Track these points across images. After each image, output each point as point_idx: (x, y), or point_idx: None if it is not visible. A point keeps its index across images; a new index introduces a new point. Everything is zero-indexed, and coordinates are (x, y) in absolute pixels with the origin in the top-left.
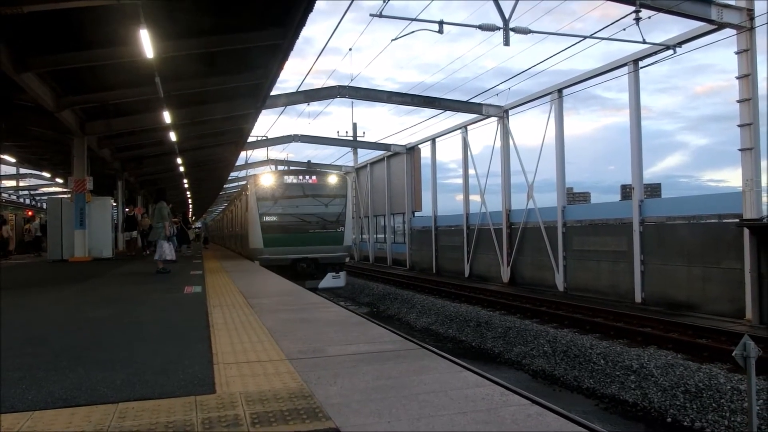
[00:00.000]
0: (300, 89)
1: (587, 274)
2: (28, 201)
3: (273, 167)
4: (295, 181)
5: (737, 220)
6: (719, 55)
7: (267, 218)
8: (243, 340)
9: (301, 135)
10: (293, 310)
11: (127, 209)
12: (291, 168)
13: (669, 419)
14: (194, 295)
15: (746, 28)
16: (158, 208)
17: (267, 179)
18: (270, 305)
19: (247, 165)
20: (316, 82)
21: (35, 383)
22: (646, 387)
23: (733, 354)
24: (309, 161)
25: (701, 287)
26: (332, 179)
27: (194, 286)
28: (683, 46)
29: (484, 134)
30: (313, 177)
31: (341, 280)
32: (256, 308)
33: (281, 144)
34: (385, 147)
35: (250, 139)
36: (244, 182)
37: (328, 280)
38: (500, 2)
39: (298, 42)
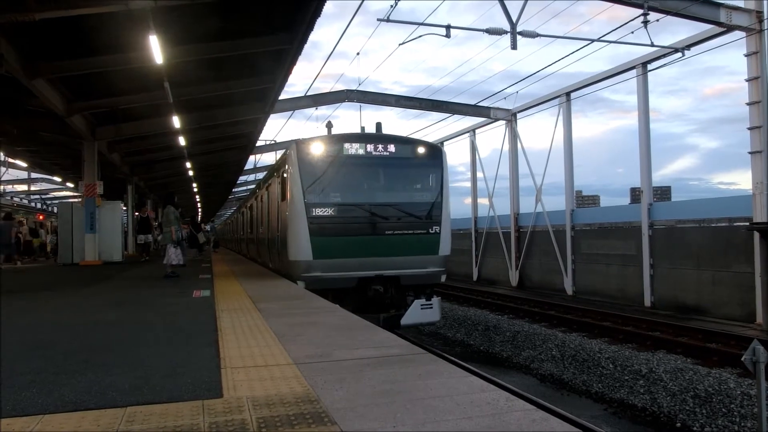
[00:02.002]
0: (308, 93)
1: (596, 277)
2: (39, 205)
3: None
4: (362, 152)
5: (747, 224)
6: (729, 56)
7: (318, 211)
8: (251, 344)
9: None
10: (301, 314)
11: (138, 212)
12: (354, 132)
13: (678, 424)
14: (203, 299)
15: (755, 30)
16: (165, 213)
17: (318, 148)
18: (278, 309)
19: (256, 169)
20: (323, 86)
21: (45, 387)
22: (655, 391)
23: (742, 359)
24: (378, 123)
25: (711, 291)
26: (421, 150)
27: (203, 290)
28: (692, 48)
29: (492, 137)
30: (391, 146)
31: (435, 310)
32: (264, 312)
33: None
34: None
35: (258, 143)
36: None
37: (416, 312)
38: (507, 6)
39: (306, 46)
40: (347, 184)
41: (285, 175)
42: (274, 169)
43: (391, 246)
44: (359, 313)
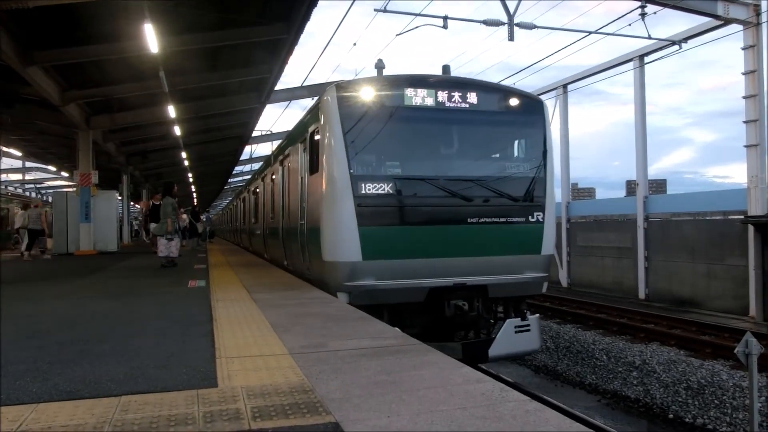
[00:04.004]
0: (304, 84)
1: (591, 270)
2: (33, 194)
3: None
4: (431, 102)
5: (742, 217)
6: (726, 50)
7: (370, 188)
8: (246, 334)
9: None
10: (296, 305)
11: (150, 200)
12: (419, 74)
13: (671, 415)
14: (198, 290)
15: (753, 23)
16: (164, 204)
17: (367, 94)
18: (273, 300)
19: (252, 159)
20: (319, 76)
21: (40, 375)
22: (649, 383)
23: (735, 351)
24: (446, 65)
25: (705, 284)
26: (515, 102)
27: (198, 281)
28: (689, 41)
29: None
30: (472, 94)
31: (534, 334)
32: (260, 303)
33: None
34: None
35: (254, 134)
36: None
37: (509, 338)
38: None
39: (302, 36)
40: (411, 148)
41: (317, 136)
42: (298, 131)
43: (476, 241)
44: (429, 341)
